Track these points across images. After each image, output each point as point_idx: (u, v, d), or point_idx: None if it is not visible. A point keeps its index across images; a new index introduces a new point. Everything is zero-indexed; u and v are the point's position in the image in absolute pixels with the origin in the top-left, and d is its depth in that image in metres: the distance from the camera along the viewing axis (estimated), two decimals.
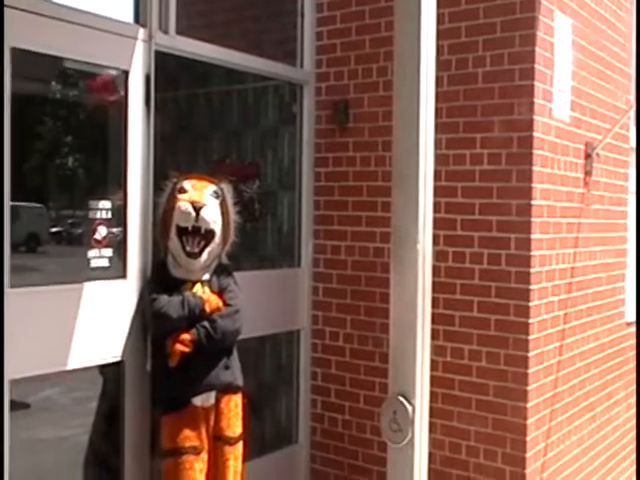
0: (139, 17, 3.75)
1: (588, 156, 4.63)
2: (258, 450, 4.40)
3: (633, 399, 5.58)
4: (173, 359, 3.49)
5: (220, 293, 3.66)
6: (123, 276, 3.62)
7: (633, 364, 5.55)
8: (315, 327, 4.79)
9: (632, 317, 5.50)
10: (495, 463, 4.14)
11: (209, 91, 4.89)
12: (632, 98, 5.33)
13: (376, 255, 4.50)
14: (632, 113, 5.23)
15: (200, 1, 4.64)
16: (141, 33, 3.70)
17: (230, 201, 3.72)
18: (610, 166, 5.01)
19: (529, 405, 4.06)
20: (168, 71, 3.98)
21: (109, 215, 3.57)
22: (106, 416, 3.73)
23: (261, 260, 4.83)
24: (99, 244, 3.52)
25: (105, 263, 3.54)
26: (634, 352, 5.58)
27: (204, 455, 3.57)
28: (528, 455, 4.07)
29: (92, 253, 3.50)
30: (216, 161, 4.77)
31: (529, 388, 4.05)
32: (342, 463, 4.70)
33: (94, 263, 3.50)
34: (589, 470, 4.80)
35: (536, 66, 4.03)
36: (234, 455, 3.68)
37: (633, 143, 5.69)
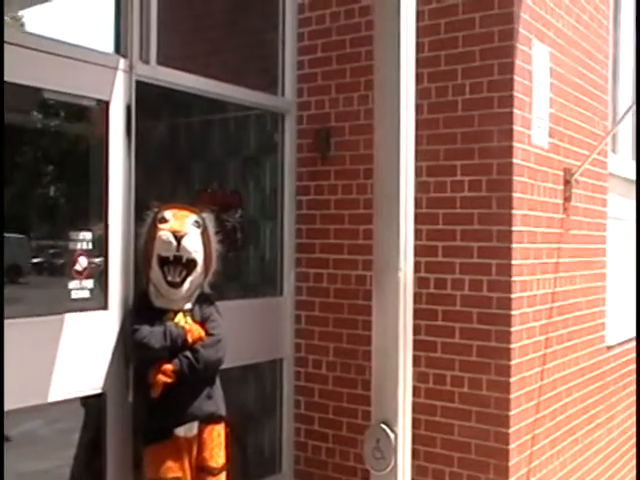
0: (120, 47, 3.77)
1: (567, 182, 4.67)
2: None
3: (614, 422, 5.60)
4: (156, 390, 3.47)
5: (202, 322, 3.65)
6: (104, 307, 3.60)
7: (613, 388, 5.58)
8: (298, 355, 4.78)
9: (612, 341, 5.53)
10: None
11: (190, 121, 4.91)
12: (609, 125, 5.39)
13: (358, 283, 4.51)
14: (609, 139, 5.30)
15: (181, 31, 4.67)
16: (122, 63, 3.71)
17: (212, 230, 3.73)
18: (588, 192, 5.06)
19: (511, 430, 4.06)
20: (149, 101, 3.98)
21: (90, 246, 3.56)
22: (88, 448, 3.69)
23: (243, 289, 4.82)
24: (80, 275, 3.50)
25: (86, 294, 3.53)
26: (615, 376, 5.61)
27: None
28: None
29: (73, 284, 3.48)
30: (198, 190, 4.77)
31: (511, 413, 4.06)
32: None
33: (75, 294, 3.49)
34: None
35: (515, 94, 4.08)
36: None
37: (616, 171, 5.77)
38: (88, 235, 3.56)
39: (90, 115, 3.77)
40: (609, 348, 5.50)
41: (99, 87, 3.61)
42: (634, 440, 6.06)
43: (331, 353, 4.65)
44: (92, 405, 3.61)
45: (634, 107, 5.10)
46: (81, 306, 3.50)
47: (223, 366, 3.73)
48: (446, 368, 4.23)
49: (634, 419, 6.08)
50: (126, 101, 3.72)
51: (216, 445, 3.66)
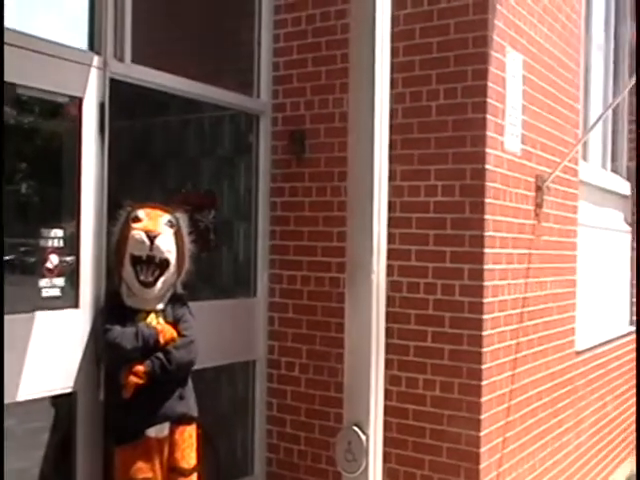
0: (94, 44, 3.74)
1: (539, 189, 4.72)
2: None
3: (583, 426, 5.65)
4: (127, 391, 3.45)
5: (175, 323, 3.64)
6: (75, 305, 3.57)
7: (582, 392, 5.64)
8: (271, 357, 4.78)
9: (582, 346, 5.59)
10: None
11: (165, 120, 4.89)
12: (580, 132, 5.45)
13: (332, 285, 4.52)
14: (580, 147, 5.36)
15: (156, 30, 4.65)
16: (96, 60, 3.69)
17: (185, 230, 3.72)
18: (559, 199, 5.11)
19: (482, 434, 4.09)
20: (123, 99, 3.97)
21: (61, 243, 3.52)
22: (58, 448, 3.66)
23: (217, 290, 4.80)
24: (51, 273, 3.47)
25: (57, 292, 3.49)
26: (584, 380, 5.67)
27: None
28: None
29: (44, 282, 3.45)
30: (171, 190, 4.75)
31: (482, 417, 4.09)
32: None
33: (46, 292, 3.45)
34: None
35: (488, 100, 4.11)
36: None
37: (587, 178, 5.83)
38: (59, 233, 3.53)
39: (63, 112, 3.74)
40: (578, 353, 5.55)
41: (72, 84, 3.58)
42: (602, 445, 6.13)
43: (304, 355, 4.65)
44: (62, 404, 3.58)
45: (608, 114, 5.16)
46: (52, 304, 3.47)
47: (196, 367, 3.71)
48: (418, 371, 4.25)
49: (602, 423, 6.15)
50: (99, 99, 3.69)
51: (188, 446, 3.64)
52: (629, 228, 7.18)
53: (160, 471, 3.55)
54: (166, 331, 3.56)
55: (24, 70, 3.34)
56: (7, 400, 3.21)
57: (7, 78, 3.27)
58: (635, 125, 6.76)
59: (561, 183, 5.11)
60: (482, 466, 4.09)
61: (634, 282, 7.20)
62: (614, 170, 6.99)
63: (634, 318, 7.17)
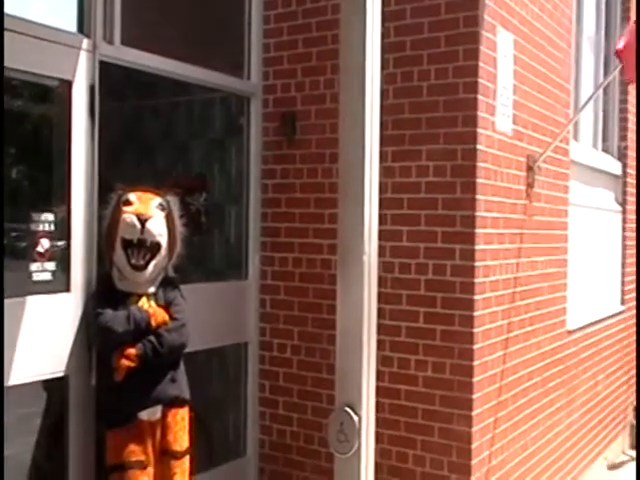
0: (83, 27, 3.71)
1: (530, 169, 4.72)
2: (206, 464, 4.37)
3: (574, 405, 5.69)
4: (119, 374, 3.45)
5: (166, 306, 3.64)
6: (67, 289, 3.57)
7: (574, 371, 5.67)
8: (263, 339, 4.79)
9: (573, 326, 5.62)
10: (441, 471, 4.18)
11: (155, 102, 4.87)
12: (571, 112, 5.45)
13: (323, 267, 4.52)
14: (571, 127, 5.36)
15: (146, 12, 4.61)
16: (85, 43, 3.66)
17: (176, 213, 3.70)
18: (551, 179, 5.11)
19: (474, 413, 4.11)
20: (113, 82, 3.94)
21: (52, 227, 3.51)
22: (50, 432, 3.66)
23: (208, 273, 4.80)
24: (42, 257, 3.46)
25: (48, 276, 3.48)
26: (575, 360, 5.70)
27: (150, 470, 3.53)
28: (473, 463, 4.11)
29: (35, 266, 3.43)
30: (162, 173, 4.74)
31: (474, 397, 4.11)
32: (290, 475, 4.69)
33: (36, 277, 3.44)
34: (532, 476, 4.88)
35: (479, 80, 4.10)
36: (181, 469, 3.64)
37: (578, 158, 5.83)
38: (50, 217, 3.51)
39: (53, 95, 3.72)
40: (570, 332, 5.58)
41: (62, 67, 3.56)
42: (593, 423, 6.17)
43: (296, 337, 4.66)
44: (54, 389, 3.58)
45: (599, 94, 5.16)
46: (43, 288, 3.46)
47: (187, 350, 3.71)
48: (410, 352, 4.27)
49: (593, 402, 6.19)
50: (89, 81, 3.67)
51: (180, 429, 3.65)
52: (620, 208, 7.19)
53: (152, 454, 3.56)
54: (158, 314, 3.56)
55: (13, 53, 3.29)
56: None
57: None
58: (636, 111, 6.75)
59: (552, 163, 5.11)
60: (474, 445, 4.12)
61: (625, 261, 7.23)
62: (605, 150, 6.99)
63: (625, 297, 7.20)
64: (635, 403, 7.21)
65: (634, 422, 7.26)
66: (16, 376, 3.31)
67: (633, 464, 6.77)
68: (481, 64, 4.11)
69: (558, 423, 5.35)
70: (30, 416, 3.68)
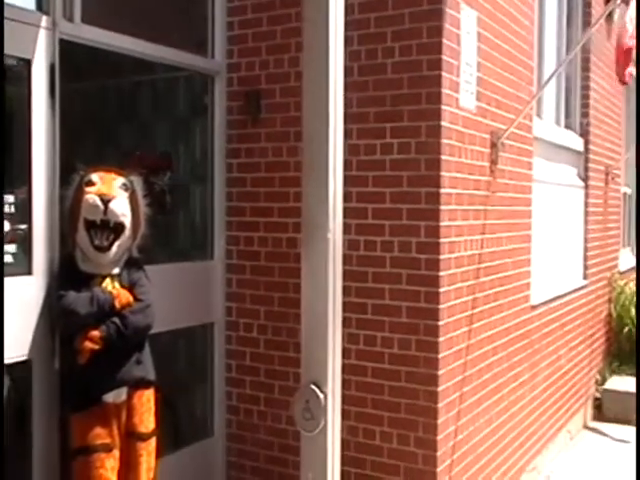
0: (42, 4, 3.63)
1: (494, 145, 4.75)
2: (172, 445, 4.37)
3: (537, 379, 5.77)
4: (83, 357, 3.42)
5: (131, 287, 3.61)
6: (29, 272, 3.52)
7: (537, 346, 5.75)
8: (229, 319, 4.78)
9: (537, 301, 5.68)
10: (408, 447, 4.22)
11: (118, 81, 4.81)
12: (534, 89, 5.48)
13: (289, 246, 4.52)
14: (534, 104, 5.39)
15: None
16: (44, 21, 3.59)
17: (140, 193, 3.67)
18: (514, 155, 5.15)
19: (440, 389, 4.15)
20: (74, 61, 3.88)
21: (12, 209, 3.45)
22: (14, 416, 3.63)
23: (173, 253, 4.77)
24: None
25: (9, 259, 3.42)
26: (539, 334, 5.77)
27: (116, 452, 3.51)
28: (439, 438, 4.16)
29: None
30: (125, 153, 4.69)
31: (440, 373, 4.14)
32: (258, 454, 4.71)
33: None
34: (498, 449, 4.95)
35: (443, 57, 4.10)
36: (147, 451, 3.63)
37: (541, 135, 5.87)
38: (10, 198, 3.44)
39: (12, 74, 3.64)
40: (533, 307, 5.64)
41: (21, 45, 3.48)
42: (556, 397, 6.27)
43: (262, 316, 4.66)
44: (17, 373, 3.53)
45: (562, 71, 5.18)
46: (4, 271, 3.41)
47: (153, 331, 3.69)
48: (376, 329, 4.29)
49: (556, 376, 6.28)
50: (49, 60, 3.61)
51: (146, 410, 3.64)
52: (582, 183, 7.27)
53: (118, 436, 3.54)
54: (122, 296, 3.53)
55: None
56: None
57: None
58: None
59: (516, 139, 5.14)
60: (440, 421, 4.16)
61: (588, 237, 7.32)
62: (568, 126, 7.05)
63: (587, 272, 7.30)
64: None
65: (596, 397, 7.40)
66: None
67: (594, 436, 6.91)
68: (445, 41, 4.11)
69: (522, 397, 5.43)
70: None
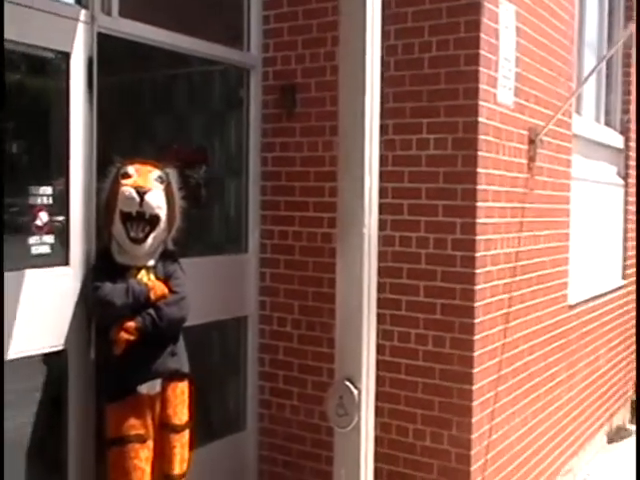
0: None
1: (531, 142, 4.69)
2: (205, 437, 4.38)
3: (575, 380, 5.70)
4: (118, 347, 3.44)
5: (166, 280, 3.62)
6: (66, 263, 3.55)
7: (575, 346, 5.67)
8: (262, 313, 4.78)
9: (574, 300, 5.61)
10: (441, 445, 4.18)
11: (154, 74, 4.82)
12: (574, 85, 5.40)
13: (324, 240, 4.50)
14: (573, 100, 5.31)
15: None
16: (83, 14, 3.62)
17: (175, 186, 3.67)
18: (553, 152, 5.08)
19: (474, 388, 4.11)
20: (111, 54, 3.90)
21: (50, 201, 3.48)
22: (50, 406, 3.66)
23: (208, 246, 4.78)
24: (40, 230, 3.44)
25: (47, 250, 3.46)
26: (577, 334, 5.70)
27: (150, 443, 3.53)
28: (473, 437, 4.12)
29: (33, 240, 3.41)
30: (162, 146, 4.70)
31: (474, 371, 4.10)
32: (290, 449, 4.71)
33: (35, 250, 3.42)
34: (533, 449, 4.89)
35: (481, 52, 4.06)
36: (181, 443, 3.65)
37: (580, 132, 5.79)
38: (48, 190, 3.49)
39: (51, 68, 3.68)
40: (571, 307, 5.57)
41: (60, 39, 3.52)
42: (594, 397, 6.18)
43: (296, 311, 4.65)
44: (53, 363, 3.57)
45: (602, 67, 5.10)
46: (42, 262, 3.44)
47: (187, 323, 3.70)
48: (410, 326, 4.26)
49: (595, 376, 6.20)
50: (87, 53, 3.63)
51: (180, 402, 3.65)
52: (622, 181, 7.15)
53: (152, 428, 3.56)
54: (157, 287, 3.55)
55: (11, 25, 3.26)
56: None
57: None
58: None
59: (554, 136, 5.07)
60: (474, 419, 4.12)
61: (627, 236, 7.20)
62: (607, 123, 6.95)
63: (626, 272, 7.19)
64: (635, 386, 7.22)
65: (634, 399, 7.28)
66: (15, 349, 3.30)
67: (633, 438, 6.79)
68: (483, 36, 4.06)
69: (559, 397, 5.36)
70: (29, 390, 3.68)
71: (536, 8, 4.71)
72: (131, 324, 3.45)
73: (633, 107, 7.05)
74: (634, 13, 6.81)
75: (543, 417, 5.06)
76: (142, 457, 3.48)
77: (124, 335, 3.43)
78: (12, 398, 3.56)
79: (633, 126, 7.05)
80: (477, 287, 4.09)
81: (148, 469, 3.52)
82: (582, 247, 5.88)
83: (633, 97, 7.10)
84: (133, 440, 3.46)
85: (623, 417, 7.17)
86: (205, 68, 4.76)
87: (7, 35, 3.29)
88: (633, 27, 5.35)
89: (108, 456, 3.52)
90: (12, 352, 3.29)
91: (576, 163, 5.66)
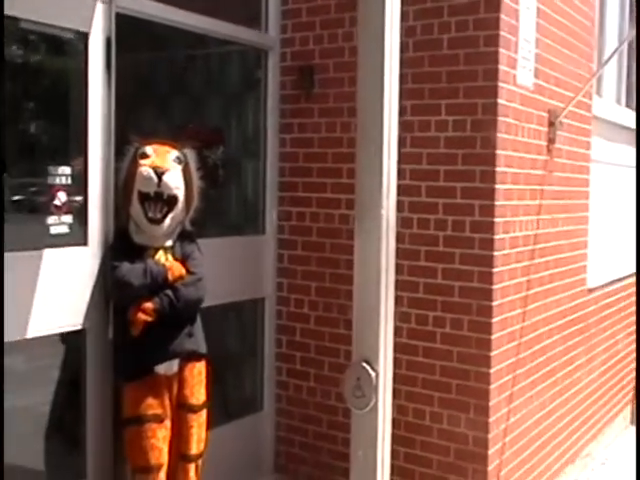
0: None
1: (551, 124, 4.64)
2: (223, 418, 4.40)
3: (594, 364, 5.67)
4: (136, 328, 3.45)
5: (183, 260, 3.62)
6: (84, 243, 3.56)
7: (594, 330, 5.64)
8: (280, 294, 4.78)
9: (593, 284, 5.57)
10: (458, 428, 4.18)
11: (172, 55, 4.81)
12: (594, 67, 5.34)
13: (341, 222, 4.49)
14: (594, 82, 5.25)
15: None
16: None
17: (193, 166, 3.67)
18: (573, 134, 5.03)
19: (492, 371, 4.10)
20: (130, 34, 3.89)
21: (69, 181, 3.49)
22: (68, 385, 3.69)
23: (225, 227, 4.78)
24: (59, 210, 3.44)
25: (65, 229, 3.47)
26: (595, 318, 5.66)
27: (167, 423, 3.54)
28: (491, 420, 4.11)
29: (52, 220, 3.42)
30: (179, 126, 4.69)
31: (492, 354, 4.09)
32: (307, 430, 4.72)
33: (54, 230, 3.43)
34: (551, 434, 4.88)
35: (501, 33, 4.01)
36: (198, 423, 3.66)
37: (600, 114, 5.72)
38: (67, 170, 3.49)
39: (69, 48, 3.67)
40: (590, 291, 5.54)
41: (78, 19, 3.51)
42: (613, 382, 6.15)
43: (313, 292, 4.65)
44: (72, 342, 3.59)
45: (623, 48, 5.04)
46: (60, 242, 3.44)
47: (204, 304, 3.71)
48: (428, 308, 4.25)
49: (613, 361, 6.16)
50: (106, 33, 3.63)
51: (197, 382, 3.66)
52: None
53: (169, 408, 3.57)
54: (175, 268, 3.55)
55: (28, 4, 3.27)
56: (17, 337, 3.24)
57: (11, 12, 3.22)
58: None
59: (574, 118, 5.02)
60: (492, 403, 4.11)
61: None
62: (628, 105, 6.87)
63: None
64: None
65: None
66: (34, 329, 3.33)
67: None
68: (503, 16, 4.02)
69: (577, 381, 5.34)
70: (47, 368, 3.70)
71: None
72: (149, 305, 3.46)
73: None
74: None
75: (561, 401, 5.04)
76: (159, 436, 3.50)
77: (142, 316, 3.44)
78: (32, 375, 3.61)
79: None
80: (495, 270, 4.07)
81: (165, 448, 3.54)
82: (601, 230, 5.83)
83: None
84: (150, 420, 3.47)
85: None
86: (223, 49, 4.74)
87: (27, 15, 3.30)
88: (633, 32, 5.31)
89: (125, 435, 3.54)
90: (31, 331, 3.31)
91: (596, 145, 5.61)
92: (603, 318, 5.86)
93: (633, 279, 6.65)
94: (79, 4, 3.51)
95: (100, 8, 3.61)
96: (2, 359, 2.61)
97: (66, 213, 3.48)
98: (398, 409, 4.14)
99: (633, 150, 6.89)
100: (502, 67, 4.04)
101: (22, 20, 3.36)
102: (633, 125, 6.78)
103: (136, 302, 3.46)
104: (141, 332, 3.46)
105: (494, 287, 4.07)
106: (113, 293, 3.56)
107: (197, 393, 3.66)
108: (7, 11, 3.13)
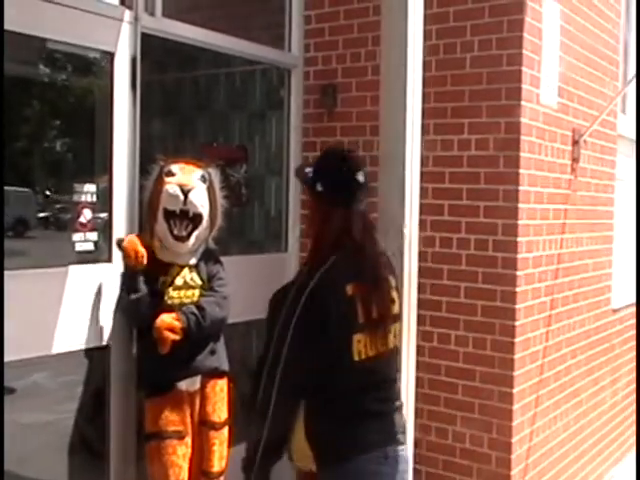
0: None
1: (575, 143, 4.63)
2: (244, 435, 4.39)
3: (618, 385, 5.61)
4: (164, 347, 3.43)
5: (209, 280, 3.64)
6: (109, 260, 3.59)
7: (619, 350, 5.58)
8: None
9: (618, 304, 5.52)
10: (481, 448, 4.15)
11: (196, 74, 4.86)
12: (619, 85, 5.32)
13: None
14: (619, 100, 5.23)
15: None
16: (127, 15, 3.65)
17: (217, 185, 3.69)
18: (597, 153, 5.01)
19: (515, 391, 4.07)
20: (155, 54, 3.95)
21: (94, 198, 3.53)
22: (92, 400, 3.71)
23: (248, 245, 4.80)
24: (84, 227, 3.48)
25: (90, 247, 3.51)
26: (620, 339, 5.61)
27: (188, 440, 3.54)
28: (514, 440, 4.08)
29: (77, 237, 3.46)
30: (203, 145, 4.73)
31: (515, 374, 4.06)
32: None
33: (79, 247, 3.47)
34: (575, 455, 4.83)
35: (524, 51, 4.02)
36: (219, 440, 3.66)
37: (626, 132, 5.70)
38: (92, 188, 3.53)
39: (95, 67, 3.73)
40: (615, 311, 5.49)
41: (104, 38, 3.56)
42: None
43: None
44: (96, 358, 3.62)
45: None
46: (85, 258, 3.48)
47: (228, 322, 3.72)
48: (451, 327, 4.23)
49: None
50: (131, 53, 3.67)
51: (219, 400, 3.67)
52: None
53: (191, 424, 3.58)
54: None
55: (55, 25, 3.32)
56: (42, 353, 3.27)
57: (38, 33, 3.28)
58: None
59: (599, 137, 5.01)
60: (515, 423, 4.08)
61: None
62: None
63: None
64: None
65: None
66: (59, 345, 3.35)
67: None
68: (526, 35, 4.02)
69: (602, 402, 5.28)
70: (72, 383, 3.73)
71: (581, 7, 4.66)
72: (177, 324, 3.45)
73: None
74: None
75: (586, 422, 4.99)
76: (179, 454, 3.49)
77: (170, 335, 3.44)
78: (56, 390, 3.63)
79: None
80: (518, 289, 4.05)
81: (186, 465, 3.54)
82: (626, 250, 5.79)
83: None
84: (171, 436, 3.47)
85: None
86: (247, 68, 4.79)
87: (54, 36, 3.36)
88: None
89: (146, 450, 3.55)
90: (56, 347, 3.34)
91: (621, 164, 5.58)
92: (628, 339, 5.81)
93: None
94: (105, 25, 3.56)
95: (126, 28, 3.65)
96: (2, 362, 2.62)
97: (91, 230, 3.52)
98: (420, 428, 4.12)
99: None
100: (525, 86, 4.04)
101: (50, 40, 3.42)
102: None
103: (157, 318, 3.45)
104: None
105: (517, 306, 4.05)
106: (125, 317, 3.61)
107: (219, 410, 3.66)
108: (35, 32, 3.20)
